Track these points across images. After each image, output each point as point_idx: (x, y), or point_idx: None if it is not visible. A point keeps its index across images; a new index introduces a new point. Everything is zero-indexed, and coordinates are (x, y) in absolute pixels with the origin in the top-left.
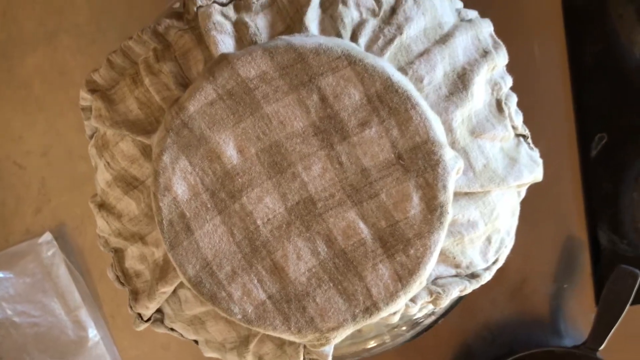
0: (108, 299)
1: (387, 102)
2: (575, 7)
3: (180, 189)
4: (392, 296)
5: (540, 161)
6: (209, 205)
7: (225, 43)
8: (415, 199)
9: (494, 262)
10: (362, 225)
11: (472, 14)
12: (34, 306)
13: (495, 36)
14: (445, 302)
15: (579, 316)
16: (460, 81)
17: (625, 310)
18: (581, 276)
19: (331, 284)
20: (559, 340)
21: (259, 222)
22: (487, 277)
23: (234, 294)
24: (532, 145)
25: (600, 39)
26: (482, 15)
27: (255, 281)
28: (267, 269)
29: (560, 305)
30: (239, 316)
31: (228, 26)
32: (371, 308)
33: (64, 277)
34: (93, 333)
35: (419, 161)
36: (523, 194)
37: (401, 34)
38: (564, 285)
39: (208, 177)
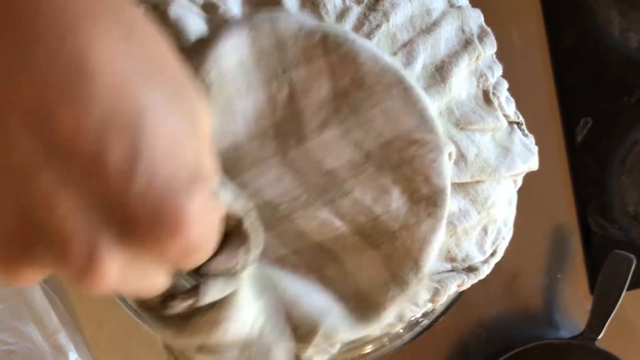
0: (88, 320)
1: (353, 97)
2: None
3: None
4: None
5: (535, 149)
6: None
7: (197, 24)
8: (395, 193)
9: (492, 255)
10: (338, 222)
11: (463, 1)
12: (9, 333)
13: (484, 25)
14: (443, 298)
15: (575, 306)
16: (439, 74)
17: (622, 296)
18: (574, 265)
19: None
20: (556, 332)
21: None
22: (485, 270)
23: None
24: (526, 132)
25: (578, 21)
26: None
27: None
28: None
29: (555, 296)
30: None
31: (195, 9)
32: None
33: (39, 300)
34: (74, 357)
35: (395, 155)
36: (520, 183)
37: (387, 21)
38: (557, 275)
39: None
